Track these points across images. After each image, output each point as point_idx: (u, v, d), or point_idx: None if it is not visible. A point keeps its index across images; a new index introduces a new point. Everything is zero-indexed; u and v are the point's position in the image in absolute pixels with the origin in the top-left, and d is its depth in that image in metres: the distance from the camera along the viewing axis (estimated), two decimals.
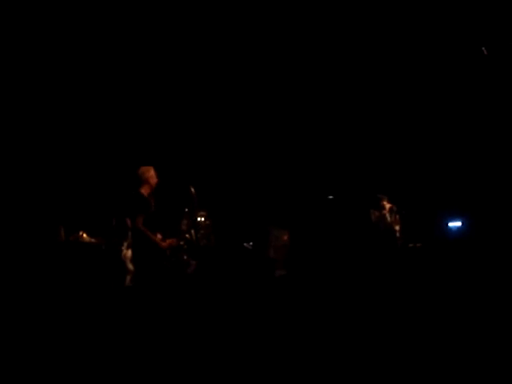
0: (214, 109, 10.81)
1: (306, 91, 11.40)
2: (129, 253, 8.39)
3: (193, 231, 9.02)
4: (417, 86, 11.24)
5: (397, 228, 11.24)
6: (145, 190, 6.20)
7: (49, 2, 8.27)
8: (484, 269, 8.80)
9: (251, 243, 10.10)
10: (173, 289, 6.62)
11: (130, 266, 8.31)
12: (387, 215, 10.74)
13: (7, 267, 7.72)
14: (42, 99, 8.94)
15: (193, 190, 8.64)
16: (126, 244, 8.50)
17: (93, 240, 8.60)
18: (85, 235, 8.59)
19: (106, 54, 9.30)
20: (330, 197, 11.26)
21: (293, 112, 11.65)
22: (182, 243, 8.88)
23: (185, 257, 8.96)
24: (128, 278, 8.37)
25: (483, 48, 9.99)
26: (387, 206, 10.66)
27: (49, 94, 8.94)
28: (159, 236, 6.32)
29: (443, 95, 11.21)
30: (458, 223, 11.90)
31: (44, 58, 8.72)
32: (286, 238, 10.52)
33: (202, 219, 9.03)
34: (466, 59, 10.37)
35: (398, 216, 11.41)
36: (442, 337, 5.35)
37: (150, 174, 6.30)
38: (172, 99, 10.28)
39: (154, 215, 6.89)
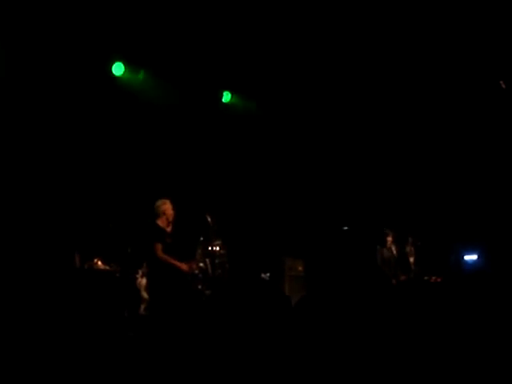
0: (229, 138, 10.85)
1: (326, 126, 11.48)
2: (143, 281, 8.36)
3: (207, 260, 8.98)
4: (434, 118, 11.25)
5: (411, 260, 11.13)
6: (161, 222, 6.26)
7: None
8: (502, 305, 8.62)
9: (268, 274, 9.95)
10: (187, 319, 6.57)
11: (145, 295, 8.28)
12: (390, 250, 10.64)
13: (22, 294, 7.69)
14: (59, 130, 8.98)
15: (209, 219, 8.63)
16: (140, 272, 8.47)
17: (108, 267, 8.57)
18: (100, 262, 8.57)
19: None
20: (345, 228, 11.17)
21: (308, 142, 11.68)
22: (196, 272, 8.82)
23: (199, 286, 8.89)
24: (142, 306, 8.32)
25: (501, 81, 9.98)
26: (391, 240, 10.55)
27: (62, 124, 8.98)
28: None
29: (462, 127, 11.18)
30: (474, 256, 11.74)
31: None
32: (300, 268, 10.36)
33: (217, 248, 8.95)
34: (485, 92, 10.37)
35: (412, 248, 11.31)
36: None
37: (167, 206, 6.38)
38: (186, 129, 10.33)
39: (171, 245, 6.87)
